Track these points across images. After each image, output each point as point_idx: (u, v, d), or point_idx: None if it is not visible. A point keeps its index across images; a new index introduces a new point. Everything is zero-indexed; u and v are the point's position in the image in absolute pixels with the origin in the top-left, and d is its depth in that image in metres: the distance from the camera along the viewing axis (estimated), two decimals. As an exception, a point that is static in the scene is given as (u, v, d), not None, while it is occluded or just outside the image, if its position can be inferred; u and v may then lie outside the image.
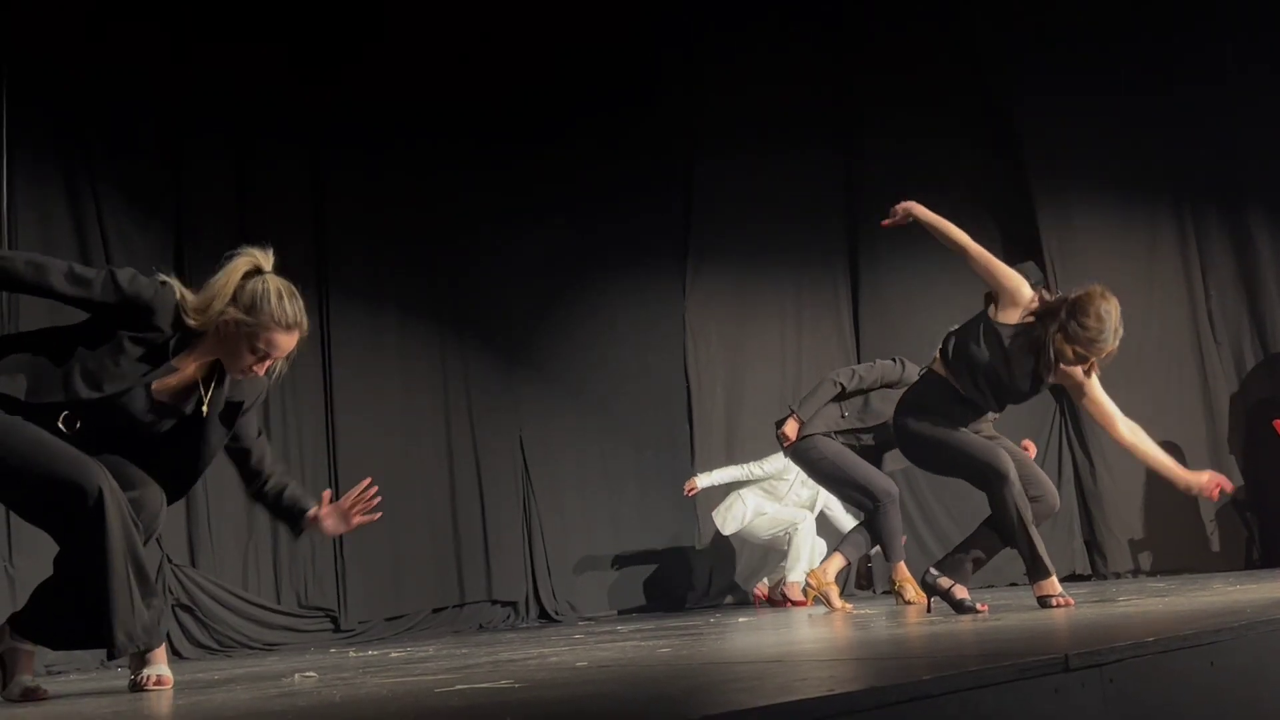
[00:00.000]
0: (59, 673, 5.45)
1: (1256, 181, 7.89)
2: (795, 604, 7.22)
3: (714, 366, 8.66)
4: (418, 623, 7.27)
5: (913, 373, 5.70)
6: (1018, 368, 4.51)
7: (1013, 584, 7.40)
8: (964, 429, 4.63)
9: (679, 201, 8.73)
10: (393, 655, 4.66)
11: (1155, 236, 8.10)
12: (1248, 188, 7.92)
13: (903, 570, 6.02)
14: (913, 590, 5.96)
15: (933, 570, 4.69)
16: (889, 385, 6.00)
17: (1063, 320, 4.37)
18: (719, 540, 8.40)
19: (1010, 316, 4.53)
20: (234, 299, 3.31)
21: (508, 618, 7.67)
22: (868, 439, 6.01)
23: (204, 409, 3.42)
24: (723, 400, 8.63)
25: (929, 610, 4.84)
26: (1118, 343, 4.43)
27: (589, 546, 8.21)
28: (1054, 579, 4.53)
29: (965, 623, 3.87)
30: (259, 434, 3.68)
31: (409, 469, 7.42)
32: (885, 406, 5.73)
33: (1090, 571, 7.99)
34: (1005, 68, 8.42)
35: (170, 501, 3.50)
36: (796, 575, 7.37)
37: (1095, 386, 4.61)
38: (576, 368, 8.36)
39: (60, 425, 3.28)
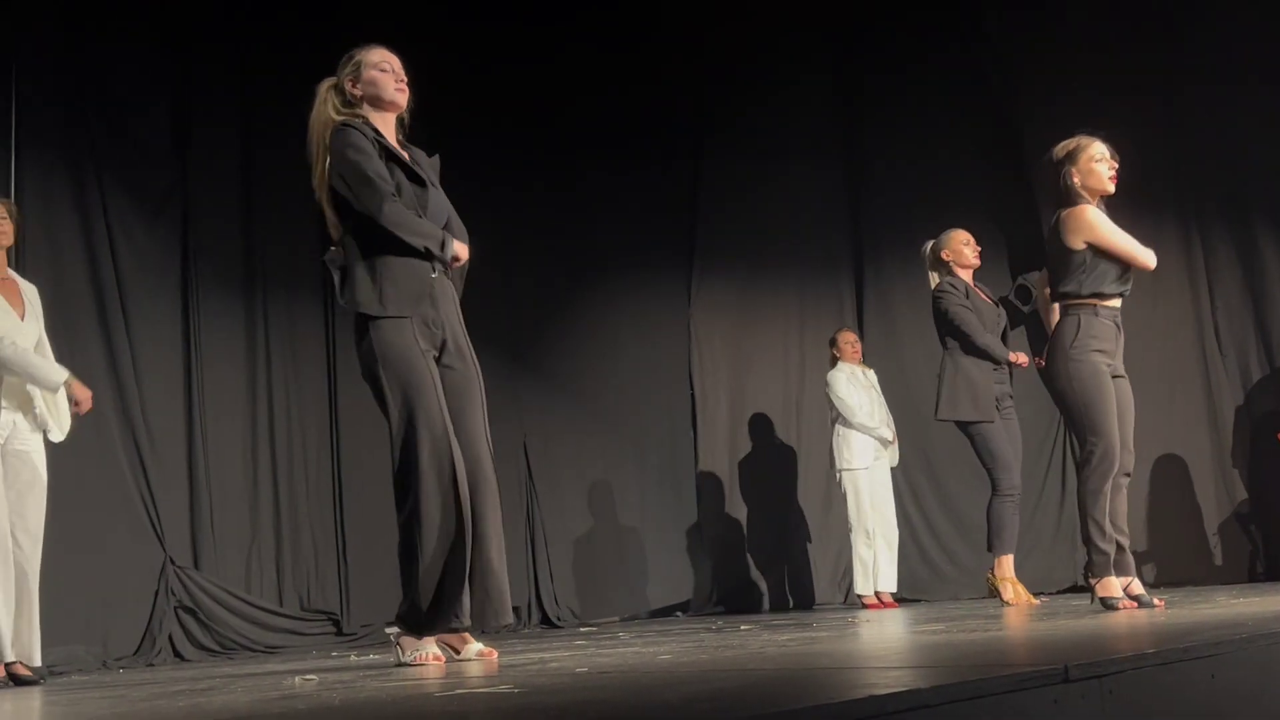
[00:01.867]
0: (61, 673, 5.46)
1: (1263, 192, 7.86)
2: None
3: (718, 373, 8.65)
4: (419, 627, 7.26)
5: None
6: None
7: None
8: (1113, 391, 4.67)
9: (684, 207, 8.73)
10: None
11: (1161, 248, 7.99)
12: (1254, 199, 7.90)
13: (1004, 566, 6.09)
14: (1012, 590, 5.99)
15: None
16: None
17: (1073, 159, 5.04)
18: (722, 547, 8.39)
19: (1077, 240, 4.90)
20: (345, 75, 4.18)
21: (509, 623, 7.66)
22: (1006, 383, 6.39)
23: (416, 159, 4.21)
24: (726, 406, 8.62)
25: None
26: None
27: (592, 552, 8.20)
28: (1113, 580, 4.53)
29: (966, 632, 3.87)
30: None
31: (413, 472, 7.41)
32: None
33: (1093, 583, 7.97)
34: (1011, 76, 8.42)
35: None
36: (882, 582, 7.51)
37: None
38: (580, 373, 8.35)
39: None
